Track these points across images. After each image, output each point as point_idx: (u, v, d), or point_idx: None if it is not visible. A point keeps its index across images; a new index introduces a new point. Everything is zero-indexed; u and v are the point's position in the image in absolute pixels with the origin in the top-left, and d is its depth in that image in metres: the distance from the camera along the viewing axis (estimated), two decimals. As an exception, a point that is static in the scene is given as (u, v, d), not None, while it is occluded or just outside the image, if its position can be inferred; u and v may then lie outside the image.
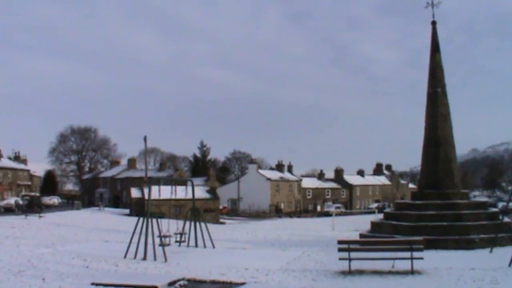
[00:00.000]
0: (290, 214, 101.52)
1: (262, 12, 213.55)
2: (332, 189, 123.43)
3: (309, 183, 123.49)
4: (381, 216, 35.53)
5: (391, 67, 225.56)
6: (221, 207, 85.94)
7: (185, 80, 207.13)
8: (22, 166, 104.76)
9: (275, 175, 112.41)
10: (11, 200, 73.85)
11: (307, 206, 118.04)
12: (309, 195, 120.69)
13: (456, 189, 29.72)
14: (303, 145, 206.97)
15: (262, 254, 25.48)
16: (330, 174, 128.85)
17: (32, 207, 73.00)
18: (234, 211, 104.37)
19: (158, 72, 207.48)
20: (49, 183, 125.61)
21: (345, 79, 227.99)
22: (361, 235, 29.59)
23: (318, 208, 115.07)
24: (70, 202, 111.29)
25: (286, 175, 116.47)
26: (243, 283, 15.70)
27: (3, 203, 71.07)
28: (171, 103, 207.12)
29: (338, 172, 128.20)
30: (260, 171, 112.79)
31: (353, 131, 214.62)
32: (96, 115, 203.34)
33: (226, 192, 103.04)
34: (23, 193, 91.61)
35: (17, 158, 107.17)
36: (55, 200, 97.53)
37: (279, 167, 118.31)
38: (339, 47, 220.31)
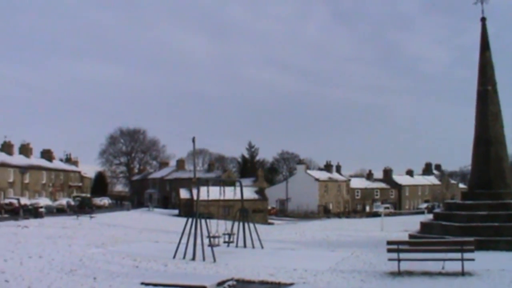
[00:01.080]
0: (338, 215, 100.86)
1: (309, 11, 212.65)
2: (381, 189, 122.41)
3: (358, 183, 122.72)
4: (430, 216, 34.98)
5: (439, 66, 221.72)
6: (269, 207, 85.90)
7: (233, 81, 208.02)
8: (73, 167, 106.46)
9: (323, 175, 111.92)
10: (63, 201, 75.15)
11: (356, 206, 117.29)
12: (357, 195, 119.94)
13: (508, 189, 29.05)
14: (351, 145, 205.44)
15: (310, 254, 25.38)
16: (378, 174, 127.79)
17: (83, 208, 74.21)
18: (283, 211, 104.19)
19: (206, 74, 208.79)
20: (100, 184, 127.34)
21: (393, 78, 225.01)
22: (411, 236, 29.19)
23: (367, 208, 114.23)
24: (119, 203, 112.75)
25: (335, 175, 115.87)
26: (291, 284, 15.67)
27: (55, 204, 72.39)
28: (219, 104, 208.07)
29: (387, 172, 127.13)
30: (309, 171, 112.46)
31: (402, 131, 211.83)
32: (145, 117, 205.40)
33: (274, 193, 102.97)
34: (75, 194, 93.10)
35: (68, 160, 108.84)
36: (105, 201, 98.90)
37: (327, 167, 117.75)
38: (386, 46, 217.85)
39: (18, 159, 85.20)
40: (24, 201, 64.73)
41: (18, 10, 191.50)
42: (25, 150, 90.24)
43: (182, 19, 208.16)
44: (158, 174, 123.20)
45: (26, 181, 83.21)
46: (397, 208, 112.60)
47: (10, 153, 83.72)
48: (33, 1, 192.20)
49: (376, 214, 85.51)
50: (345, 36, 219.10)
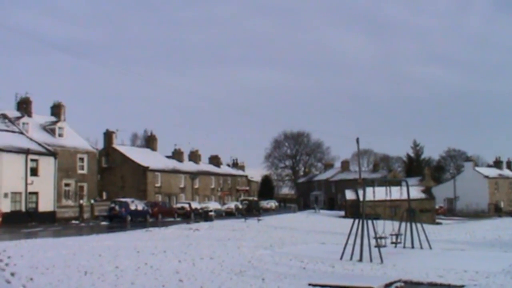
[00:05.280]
0: (511, 213, 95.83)
1: (468, 3, 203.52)
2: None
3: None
4: None
5: None
6: (437, 207, 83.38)
7: (394, 79, 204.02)
8: (240, 172, 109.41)
9: (493, 172, 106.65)
10: (231, 205, 77.63)
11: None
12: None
13: None
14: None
15: (481, 255, 24.33)
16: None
17: (251, 210, 76.24)
18: (451, 211, 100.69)
19: (366, 73, 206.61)
20: (266, 187, 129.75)
21: None
22: None
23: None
24: (284, 205, 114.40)
25: (505, 172, 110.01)
26: (462, 286, 15.07)
27: (224, 207, 74.89)
28: (382, 103, 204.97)
29: None
30: (477, 168, 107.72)
31: None
32: (308, 120, 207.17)
33: (441, 192, 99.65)
34: (242, 197, 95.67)
35: (235, 164, 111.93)
36: (272, 203, 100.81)
37: (497, 164, 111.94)
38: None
39: (188, 165, 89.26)
40: (195, 205, 67.70)
41: (185, 28, 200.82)
42: (194, 156, 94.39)
43: (338, 21, 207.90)
44: (323, 176, 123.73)
45: (196, 186, 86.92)
46: None
47: (180, 160, 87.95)
48: (197, 18, 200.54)
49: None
50: (510, 26, 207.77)
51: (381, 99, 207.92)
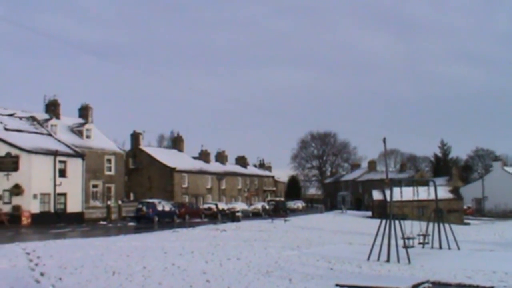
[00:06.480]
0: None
1: (496, 0, 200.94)
2: None
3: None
4: None
5: None
6: (465, 207, 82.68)
7: (421, 78, 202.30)
8: (267, 172, 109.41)
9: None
10: (258, 205, 77.71)
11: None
12: None
13: None
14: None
15: (511, 256, 24.10)
16: None
17: (278, 211, 76.29)
18: (479, 211, 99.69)
19: (393, 73, 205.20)
20: (293, 188, 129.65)
21: None
22: None
23: None
24: (311, 205, 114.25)
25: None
26: (490, 287, 14.97)
27: (251, 208, 74.99)
28: (408, 103, 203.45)
29: None
30: (506, 168, 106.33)
31: None
32: (334, 120, 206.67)
33: (469, 192, 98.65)
34: (269, 198, 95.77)
35: (261, 165, 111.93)
36: (299, 204, 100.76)
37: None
38: None
39: (215, 166, 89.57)
40: (222, 206, 67.96)
41: (211, 29, 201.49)
42: (221, 157, 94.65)
43: (364, 20, 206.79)
44: (350, 176, 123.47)
45: (223, 187, 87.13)
46: None
47: (207, 161, 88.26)
48: (222, 19, 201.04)
49: None
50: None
51: (408, 98, 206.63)
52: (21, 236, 33.36)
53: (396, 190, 30.03)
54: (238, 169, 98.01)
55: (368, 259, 21.30)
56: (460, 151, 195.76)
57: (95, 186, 60.23)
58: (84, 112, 65.37)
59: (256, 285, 14.58)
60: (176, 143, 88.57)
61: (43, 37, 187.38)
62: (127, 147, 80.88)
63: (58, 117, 60.63)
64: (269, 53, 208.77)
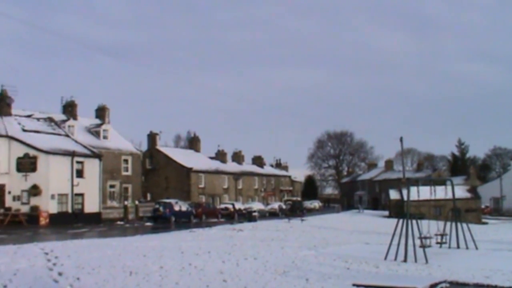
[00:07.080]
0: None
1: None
2: None
3: None
4: None
5: None
6: (482, 206, 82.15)
7: (438, 77, 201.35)
8: (283, 172, 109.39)
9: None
10: (275, 205, 77.81)
11: None
12: None
13: None
14: None
15: (531, 256, 23.91)
16: None
17: (295, 211, 76.28)
18: (497, 210, 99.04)
19: (409, 72, 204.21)
20: (310, 187, 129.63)
21: None
22: None
23: None
24: (328, 205, 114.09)
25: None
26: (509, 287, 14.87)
27: (268, 208, 75.05)
28: (426, 102, 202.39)
29: None
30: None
31: None
32: (351, 119, 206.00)
33: (487, 191, 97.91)
34: (286, 198, 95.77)
35: (278, 165, 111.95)
36: (316, 204, 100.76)
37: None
38: None
39: (231, 166, 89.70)
40: (238, 205, 68.09)
41: (227, 30, 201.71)
42: (237, 157, 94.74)
43: (381, 19, 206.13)
44: (366, 176, 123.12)
45: (240, 186, 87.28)
46: None
47: (224, 161, 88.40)
48: (238, 20, 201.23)
49: None
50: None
51: (425, 97, 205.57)
52: (39, 236, 33.54)
53: (413, 189, 29.91)
54: (255, 169, 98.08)
55: (385, 258, 21.22)
56: (478, 150, 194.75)
57: (112, 186, 60.59)
58: (101, 112, 65.75)
59: (273, 285, 14.58)
60: (192, 143, 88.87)
61: (60, 39, 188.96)
62: (144, 147, 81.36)
63: (75, 118, 60.99)
64: (285, 53, 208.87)
